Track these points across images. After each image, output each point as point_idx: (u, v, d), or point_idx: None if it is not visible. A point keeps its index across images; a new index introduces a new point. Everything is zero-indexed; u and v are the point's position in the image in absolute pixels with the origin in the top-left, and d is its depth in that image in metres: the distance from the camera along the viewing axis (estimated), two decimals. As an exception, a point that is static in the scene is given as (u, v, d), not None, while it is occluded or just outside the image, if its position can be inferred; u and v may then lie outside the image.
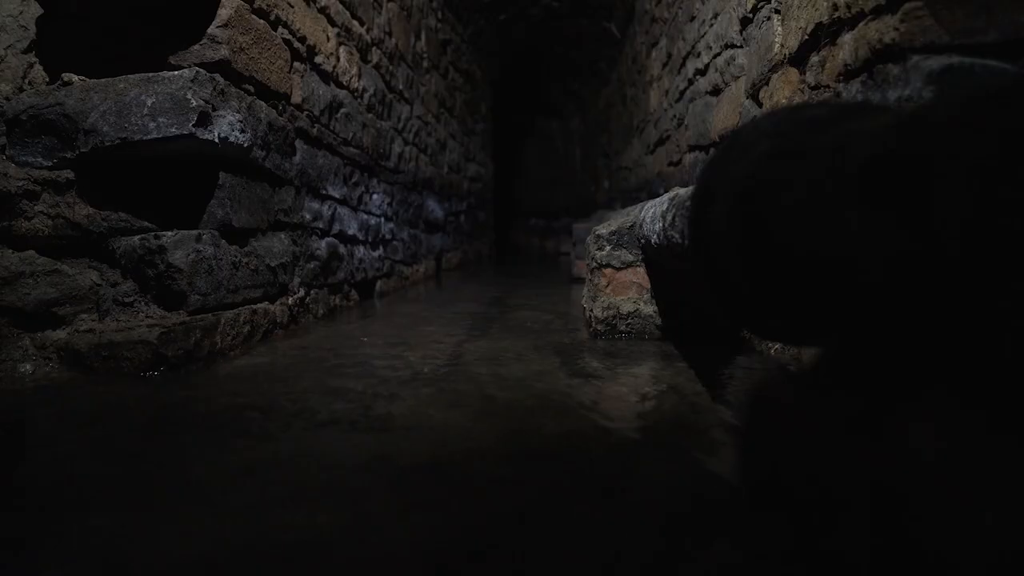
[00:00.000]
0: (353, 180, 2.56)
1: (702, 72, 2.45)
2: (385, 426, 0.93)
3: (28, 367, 1.27)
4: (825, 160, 0.44)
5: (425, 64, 3.85)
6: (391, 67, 3.12)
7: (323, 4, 2.22)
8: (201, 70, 1.45)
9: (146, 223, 1.47)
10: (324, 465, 0.77)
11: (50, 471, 0.77)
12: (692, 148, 2.66)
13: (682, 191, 1.23)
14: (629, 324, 1.69)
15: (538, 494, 0.68)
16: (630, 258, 1.71)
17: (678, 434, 0.90)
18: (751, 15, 1.71)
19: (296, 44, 1.99)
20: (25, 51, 1.61)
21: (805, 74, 1.33)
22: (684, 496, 0.69)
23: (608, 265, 1.72)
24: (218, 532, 0.60)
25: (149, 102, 1.39)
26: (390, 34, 3.10)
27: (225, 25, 1.57)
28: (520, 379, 1.22)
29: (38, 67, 1.62)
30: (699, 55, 2.49)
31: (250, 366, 1.37)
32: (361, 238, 2.65)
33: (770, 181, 0.48)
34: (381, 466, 0.77)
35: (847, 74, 1.10)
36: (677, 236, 1.08)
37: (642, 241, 1.56)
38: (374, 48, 2.84)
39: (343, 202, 2.44)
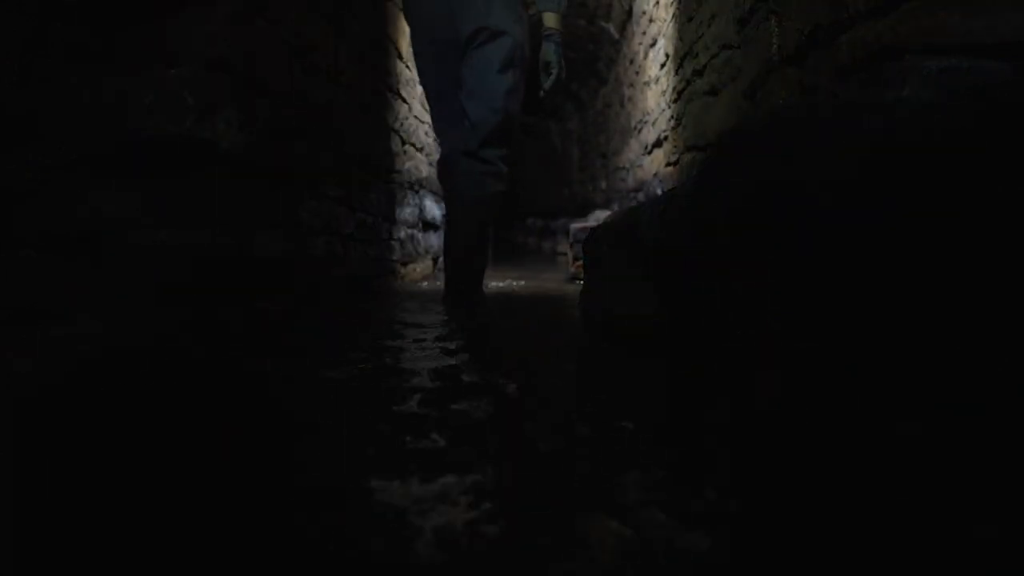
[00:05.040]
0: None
1: (699, 73, 2.45)
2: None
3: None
4: (820, 162, 0.44)
5: (423, 63, 3.83)
6: (388, 66, 3.11)
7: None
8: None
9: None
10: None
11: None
12: (689, 148, 2.67)
13: (679, 191, 1.23)
14: (625, 324, 1.69)
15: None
16: (626, 257, 1.70)
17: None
18: (748, 16, 1.71)
19: (293, 42, 1.99)
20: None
21: (802, 75, 1.33)
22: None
23: (605, 264, 1.71)
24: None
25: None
26: (388, 33, 3.09)
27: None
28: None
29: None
30: (697, 56, 2.49)
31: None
32: (359, 237, 2.64)
33: (767, 182, 0.48)
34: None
35: (844, 75, 1.10)
36: (674, 235, 1.08)
37: (639, 241, 1.56)
38: (372, 47, 2.83)
39: (340, 201, 2.43)
